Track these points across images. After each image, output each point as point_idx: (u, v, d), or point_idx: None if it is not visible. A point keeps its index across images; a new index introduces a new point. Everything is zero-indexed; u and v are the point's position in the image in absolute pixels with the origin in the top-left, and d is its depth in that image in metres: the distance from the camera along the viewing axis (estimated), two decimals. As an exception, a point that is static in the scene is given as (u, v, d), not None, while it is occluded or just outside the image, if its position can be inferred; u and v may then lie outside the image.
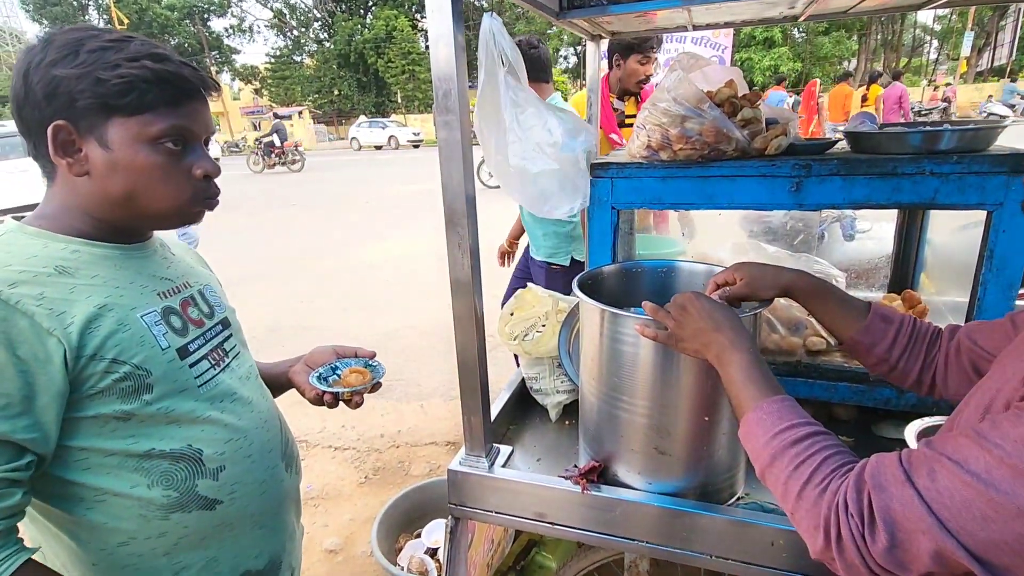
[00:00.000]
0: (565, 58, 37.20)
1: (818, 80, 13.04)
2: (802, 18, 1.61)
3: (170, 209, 0.81)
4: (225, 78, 40.96)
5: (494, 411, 1.34)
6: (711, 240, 1.96)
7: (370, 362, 1.07)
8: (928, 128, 1.10)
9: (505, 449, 1.20)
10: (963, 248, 1.37)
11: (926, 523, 0.54)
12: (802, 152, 1.20)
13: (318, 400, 1.00)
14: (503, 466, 1.15)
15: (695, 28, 1.79)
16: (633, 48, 2.55)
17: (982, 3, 1.59)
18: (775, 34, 26.29)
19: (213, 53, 40.15)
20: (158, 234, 0.93)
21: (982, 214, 1.07)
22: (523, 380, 1.48)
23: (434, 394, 3.52)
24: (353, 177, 10.17)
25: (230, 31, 42.71)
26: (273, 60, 41.70)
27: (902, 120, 9.82)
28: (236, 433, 0.86)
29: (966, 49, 19.82)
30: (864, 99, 11.55)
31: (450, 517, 1.18)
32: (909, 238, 1.70)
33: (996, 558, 0.51)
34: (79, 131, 0.74)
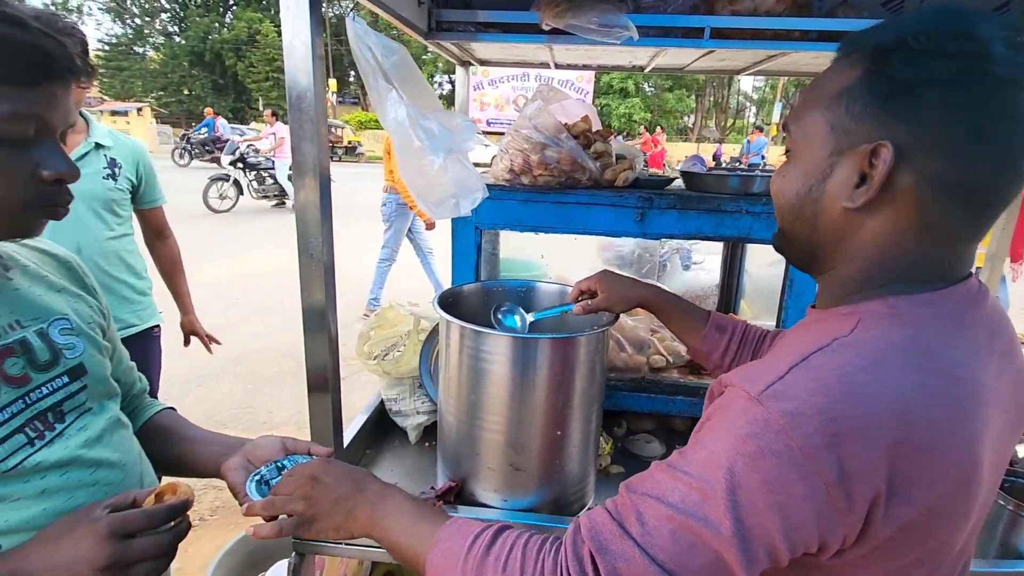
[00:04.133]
0: (440, 85, 37.69)
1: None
2: (647, 69, 1.80)
3: None
4: (44, 61, 35.07)
5: (348, 435, 1.27)
6: (570, 265, 2.07)
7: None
8: (743, 173, 1.28)
9: (358, 475, 1.14)
10: (772, 279, 1.60)
11: (650, 571, 0.53)
12: (646, 186, 1.32)
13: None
14: (355, 493, 1.08)
15: (557, 67, 1.91)
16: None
17: (782, 75, 1.90)
18: (630, 86, 29.15)
19: (29, 31, 34.32)
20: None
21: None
22: (382, 402, 1.42)
23: (286, 423, 3.25)
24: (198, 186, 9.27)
25: (56, 7, 36.91)
26: (108, 48, 36.72)
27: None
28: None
29: (776, 116, 23.73)
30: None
31: (293, 554, 1.08)
32: (732, 270, 1.95)
33: None
34: None
